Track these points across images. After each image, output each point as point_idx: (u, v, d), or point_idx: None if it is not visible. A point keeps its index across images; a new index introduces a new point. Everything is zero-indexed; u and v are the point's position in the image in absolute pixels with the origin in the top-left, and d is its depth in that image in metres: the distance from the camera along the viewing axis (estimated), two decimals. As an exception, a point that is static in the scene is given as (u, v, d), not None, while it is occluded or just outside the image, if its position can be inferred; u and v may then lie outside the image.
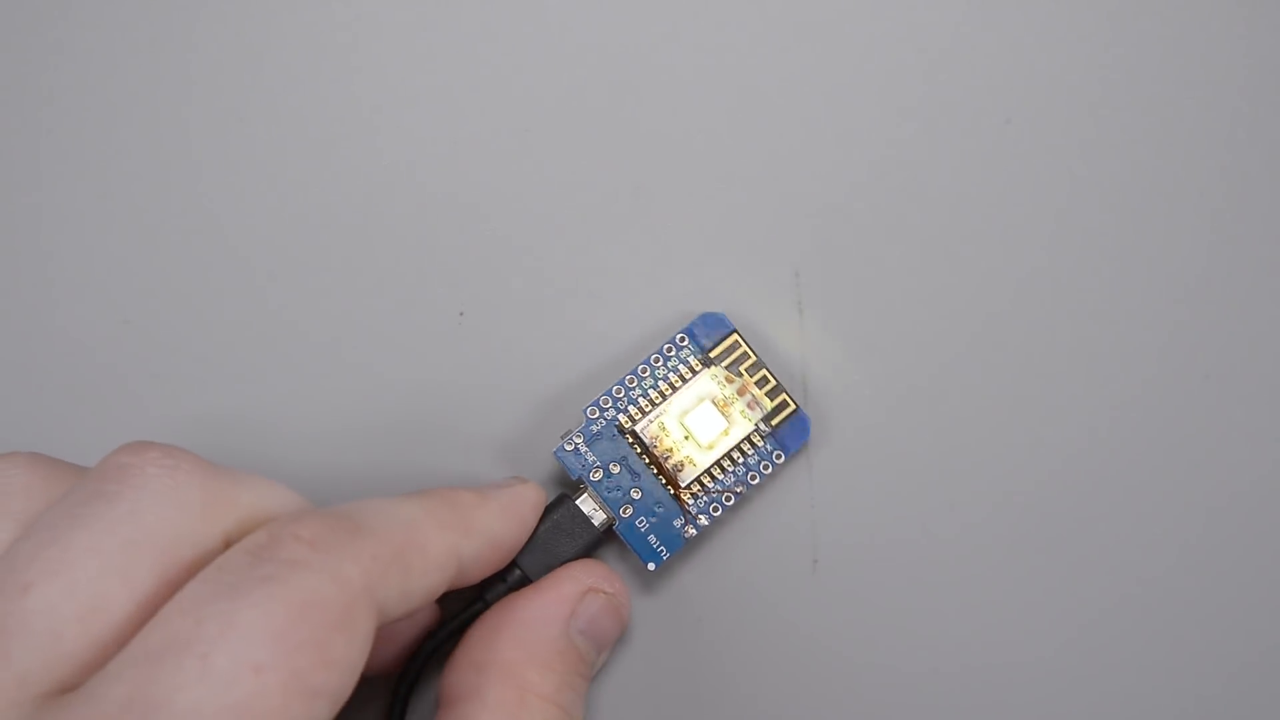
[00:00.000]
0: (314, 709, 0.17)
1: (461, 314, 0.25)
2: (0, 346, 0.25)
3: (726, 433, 0.24)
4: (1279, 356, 0.25)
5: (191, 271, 0.25)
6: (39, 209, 0.26)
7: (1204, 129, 0.25)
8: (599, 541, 0.24)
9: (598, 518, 0.24)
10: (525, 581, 0.23)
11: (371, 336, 0.25)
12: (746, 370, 0.24)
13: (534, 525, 0.23)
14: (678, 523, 0.24)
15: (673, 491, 0.24)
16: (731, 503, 0.24)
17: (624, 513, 0.24)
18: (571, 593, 0.23)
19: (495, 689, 0.21)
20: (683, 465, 0.24)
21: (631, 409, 0.24)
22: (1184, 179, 0.25)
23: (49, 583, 0.17)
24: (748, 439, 0.24)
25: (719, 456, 0.24)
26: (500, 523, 0.22)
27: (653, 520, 0.24)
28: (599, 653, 0.23)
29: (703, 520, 0.24)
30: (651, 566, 0.24)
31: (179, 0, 0.26)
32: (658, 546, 0.24)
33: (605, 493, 0.24)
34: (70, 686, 0.17)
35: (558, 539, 0.23)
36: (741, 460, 0.24)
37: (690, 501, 0.24)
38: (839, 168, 0.25)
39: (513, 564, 0.23)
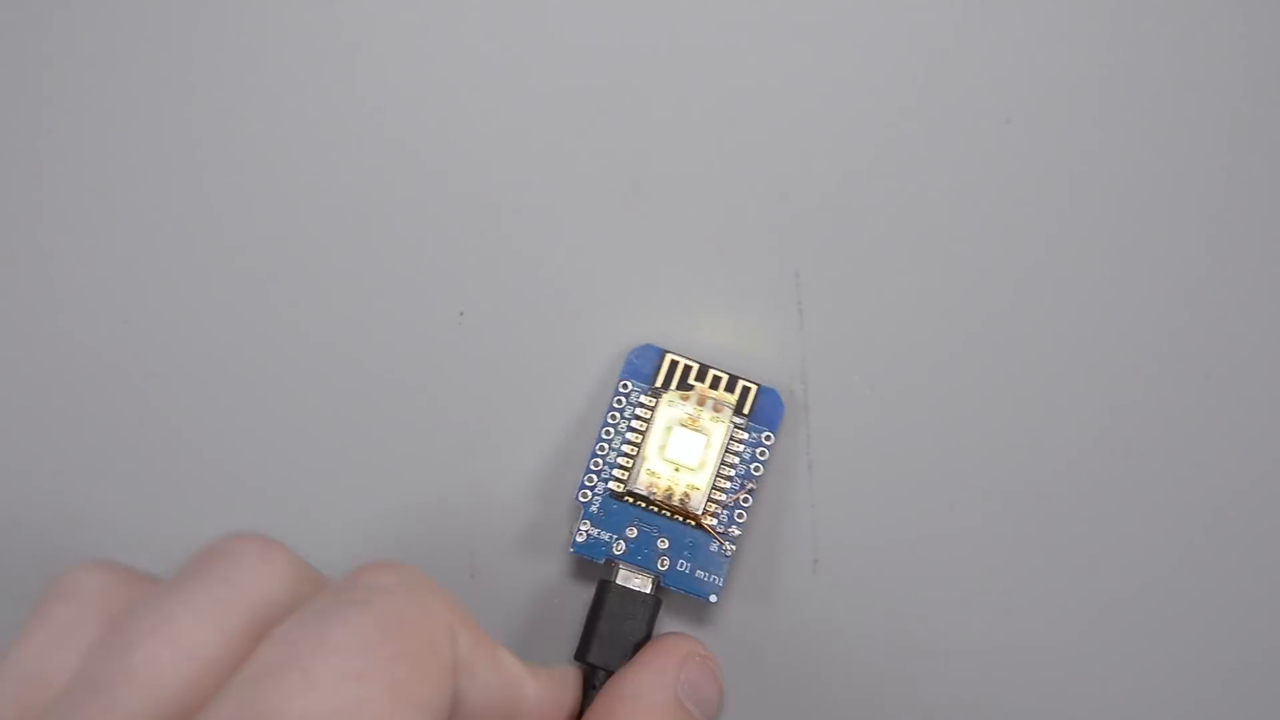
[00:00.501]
0: (419, 714, 0.17)
1: (461, 314, 0.25)
2: (0, 347, 0.25)
3: (709, 444, 0.24)
4: (1279, 356, 0.25)
5: (191, 271, 0.25)
6: (39, 209, 0.26)
7: (1204, 129, 0.25)
8: (658, 604, 0.24)
9: (644, 585, 0.24)
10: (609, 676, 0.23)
11: (371, 336, 0.25)
12: (695, 379, 0.24)
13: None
14: (713, 548, 0.24)
15: (694, 523, 0.24)
16: (750, 502, 0.24)
17: (662, 566, 0.24)
18: (670, 661, 0.23)
19: None
20: (688, 494, 0.24)
21: (616, 472, 0.24)
22: (1184, 179, 0.25)
23: (150, 638, 0.18)
24: (731, 439, 0.24)
25: (714, 468, 0.24)
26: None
27: (691, 558, 0.24)
28: (704, 717, 0.23)
29: (734, 532, 0.24)
30: (712, 599, 0.24)
31: (180, 0, 0.26)
32: (708, 578, 0.24)
33: (637, 559, 0.24)
34: None
35: (621, 624, 0.24)
36: (737, 460, 0.24)
37: (714, 523, 0.24)
38: (839, 168, 0.25)
39: (593, 667, 0.23)
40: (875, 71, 0.26)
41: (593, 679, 0.23)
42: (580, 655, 0.23)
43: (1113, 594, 0.25)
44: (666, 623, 0.25)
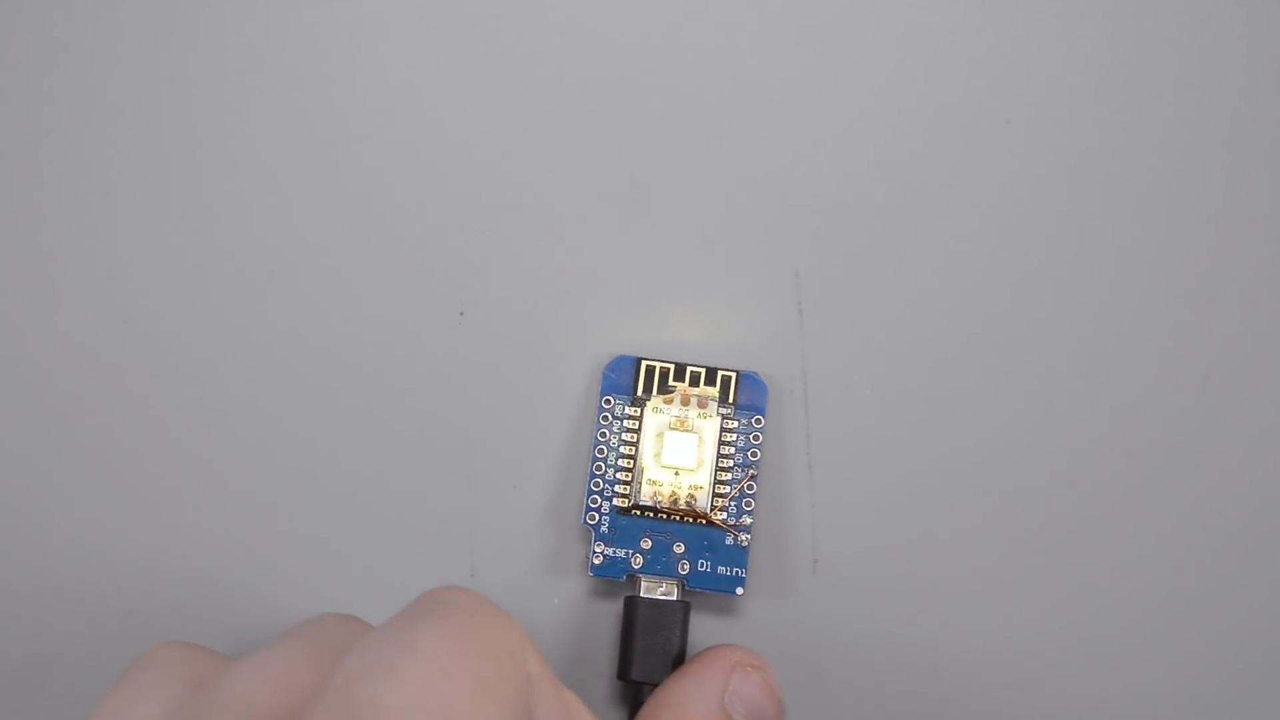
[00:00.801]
0: (504, 710, 0.17)
1: (461, 314, 0.25)
2: (1, 346, 0.25)
3: (702, 442, 0.24)
4: (1279, 357, 0.25)
5: (191, 271, 0.25)
6: (40, 209, 0.26)
7: (1205, 129, 0.25)
8: (688, 607, 0.24)
9: (670, 593, 0.24)
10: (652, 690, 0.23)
11: (371, 336, 0.25)
12: (674, 380, 0.24)
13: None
14: (728, 541, 0.24)
15: (704, 522, 0.24)
16: (755, 489, 0.24)
17: (683, 570, 0.24)
18: (719, 670, 0.23)
19: None
20: (693, 495, 0.24)
21: (618, 488, 0.24)
22: (1184, 179, 0.25)
23: (249, 674, 0.18)
24: (723, 431, 0.24)
25: (713, 464, 0.24)
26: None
27: (710, 557, 0.24)
28: None
29: (746, 521, 0.24)
30: (738, 591, 0.24)
31: (180, 0, 0.26)
32: (731, 572, 0.24)
33: (657, 568, 0.24)
34: None
35: (656, 636, 0.23)
36: (733, 450, 0.24)
37: (723, 517, 0.24)
38: (839, 168, 0.25)
39: (637, 683, 0.23)
40: (875, 71, 0.26)
41: (640, 695, 0.23)
42: (622, 674, 0.23)
43: (1113, 593, 0.25)
44: (698, 622, 0.25)
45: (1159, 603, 0.25)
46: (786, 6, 0.26)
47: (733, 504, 0.24)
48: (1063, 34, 0.25)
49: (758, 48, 0.26)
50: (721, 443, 0.24)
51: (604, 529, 0.24)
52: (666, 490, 0.24)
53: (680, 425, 0.24)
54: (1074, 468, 0.25)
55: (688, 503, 0.24)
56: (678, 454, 0.24)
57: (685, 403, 0.24)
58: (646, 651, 0.23)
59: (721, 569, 0.24)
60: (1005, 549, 0.25)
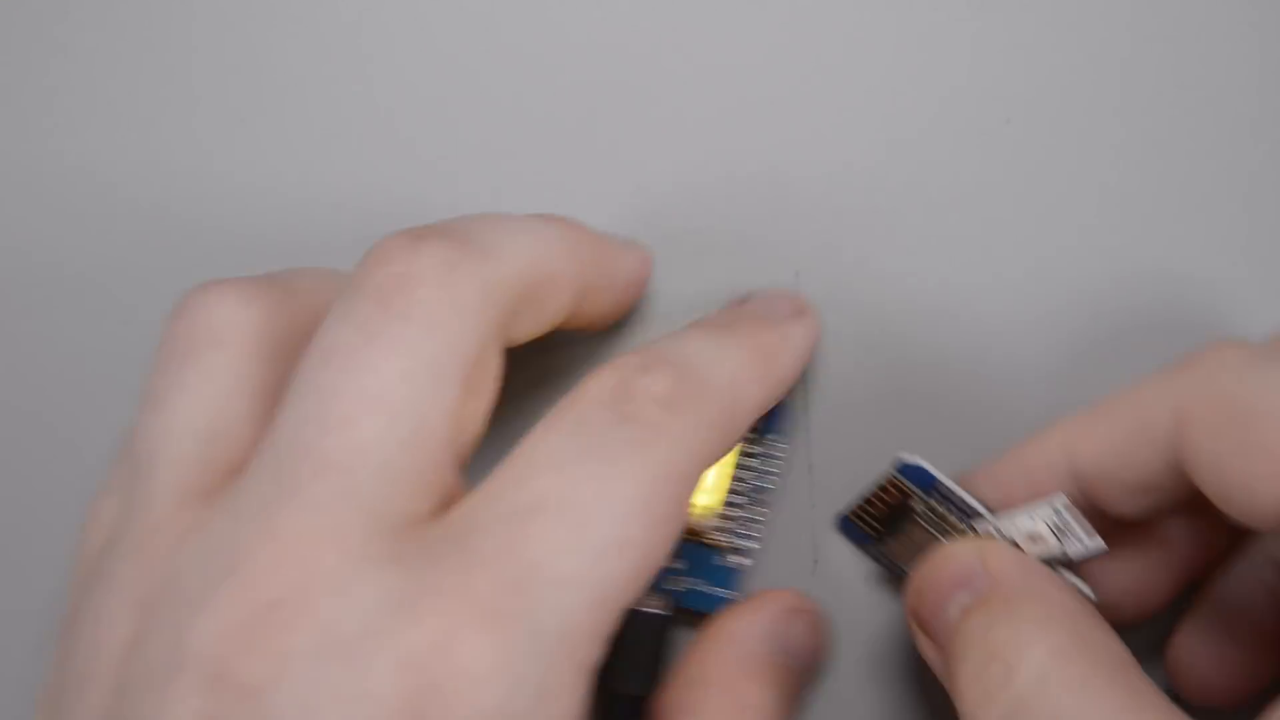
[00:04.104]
0: (645, 584, 0.17)
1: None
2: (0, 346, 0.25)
3: (719, 463, 0.24)
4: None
5: (191, 271, 0.25)
6: (39, 210, 0.26)
7: (1205, 129, 0.25)
8: (669, 620, 0.23)
9: (659, 607, 0.23)
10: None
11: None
12: None
13: (808, 361, 0.23)
14: (718, 561, 0.24)
15: (707, 542, 0.24)
16: (763, 519, 0.24)
17: (679, 587, 0.24)
18: (775, 610, 0.23)
19: (713, 703, 0.21)
20: (702, 515, 0.24)
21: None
22: (1185, 179, 0.25)
23: (372, 414, 0.17)
24: (742, 454, 0.24)
25: (726, 485, 0.24)
26: (793, 370, 0.22)
27: (707, 576, 0.24)
28: (807, 673, 0.23)
29: (748, 545, 0.24)
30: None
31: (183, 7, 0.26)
32: (723, 594, 0.24)
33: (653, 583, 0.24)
34: (415, 516, 0.17)
35: (639, 648, 0.23)
36: (748, 473, 0.24)
37: (722, 537, 0.24)
38: (839, 168, 0.25)
39: (617, 695, 0.23)
40: (875, 71, 0.26)
41: (614, 708, 0.23)
42: (604, 683, 0.23)
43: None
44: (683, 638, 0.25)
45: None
46: (787, 6, 0.26)
47: (735, 525, 0.24)
48: (1063, 34, 0.26)
49: (758, 47, 0.26)
50: (737, 465, 0.24)
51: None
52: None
53: None
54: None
55: (695, 522, 0.24)
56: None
57: None
58: (629, 663, 0.23)
59: (718, 589, 0.24)
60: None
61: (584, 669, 0.17)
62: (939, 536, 0.23)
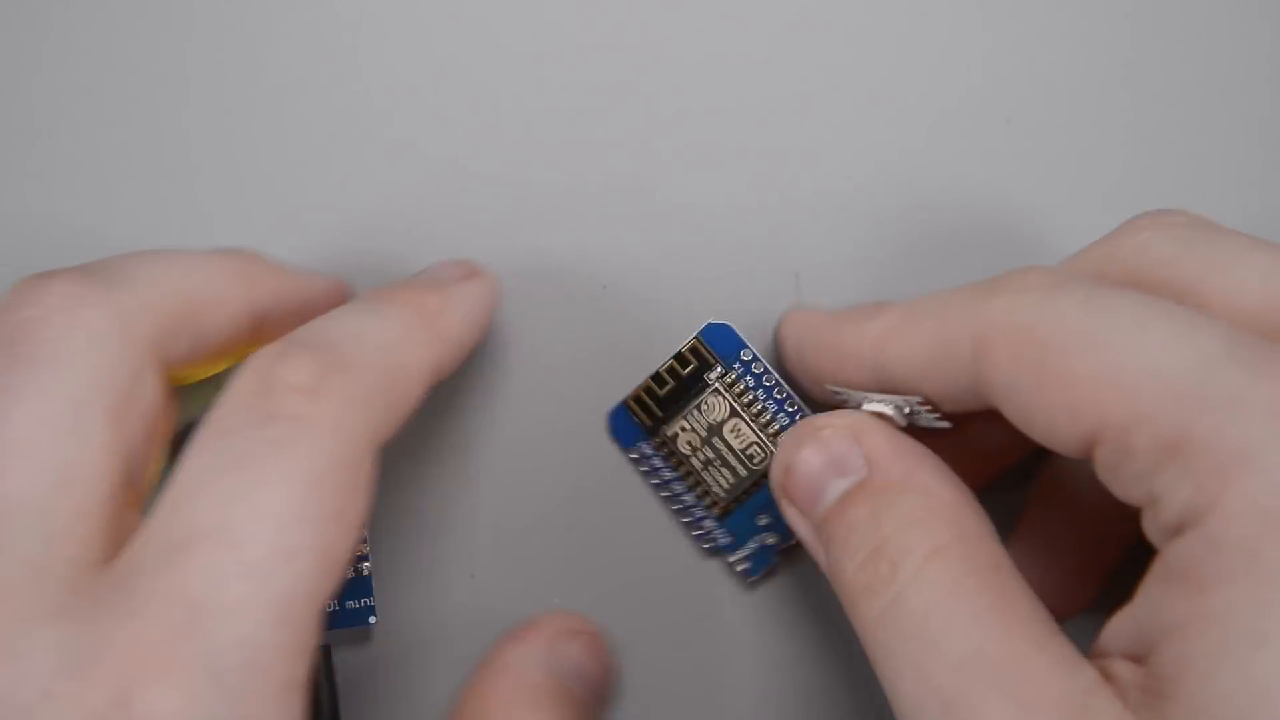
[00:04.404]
0: (335, 579, 0.17)
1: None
2: None
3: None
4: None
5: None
6: (37, 210, 0.26)
7: (1205, 129, 0.25)
8: (327, 652, 0.23)
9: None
10: None
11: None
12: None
13: (489, 323, 0.22)
14: None
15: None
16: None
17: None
18: (549, 634, 0.22)
19: None
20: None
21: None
22: (1185, 180, 0.25)
23: (15, 465, 0.17)
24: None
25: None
26: (465, 328, 0.21)
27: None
28: (591, 695, 0.23)
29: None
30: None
31: (183, 7, 0.26)
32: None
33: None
34: (83, 563, 0.17)
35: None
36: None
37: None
38: (839, 168, 0.25)
39: None
40: (875, 71, 0.26)
41: None
42: None
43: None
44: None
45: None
46: (787, 6, 0.26)
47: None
48: (1063, 34, 0.26)
49: (758, 47, 0.26)
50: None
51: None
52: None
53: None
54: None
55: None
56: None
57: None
58: None
59: None
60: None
61: (285, 689, 0.16)
62: (745, 420, 0.23)
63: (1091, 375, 0.17)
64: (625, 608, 0.24)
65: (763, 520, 0.24)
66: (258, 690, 0.16)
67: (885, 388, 0.21)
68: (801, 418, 0.24)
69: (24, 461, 0.17)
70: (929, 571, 0.18)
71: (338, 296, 0.22)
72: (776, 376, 0.24)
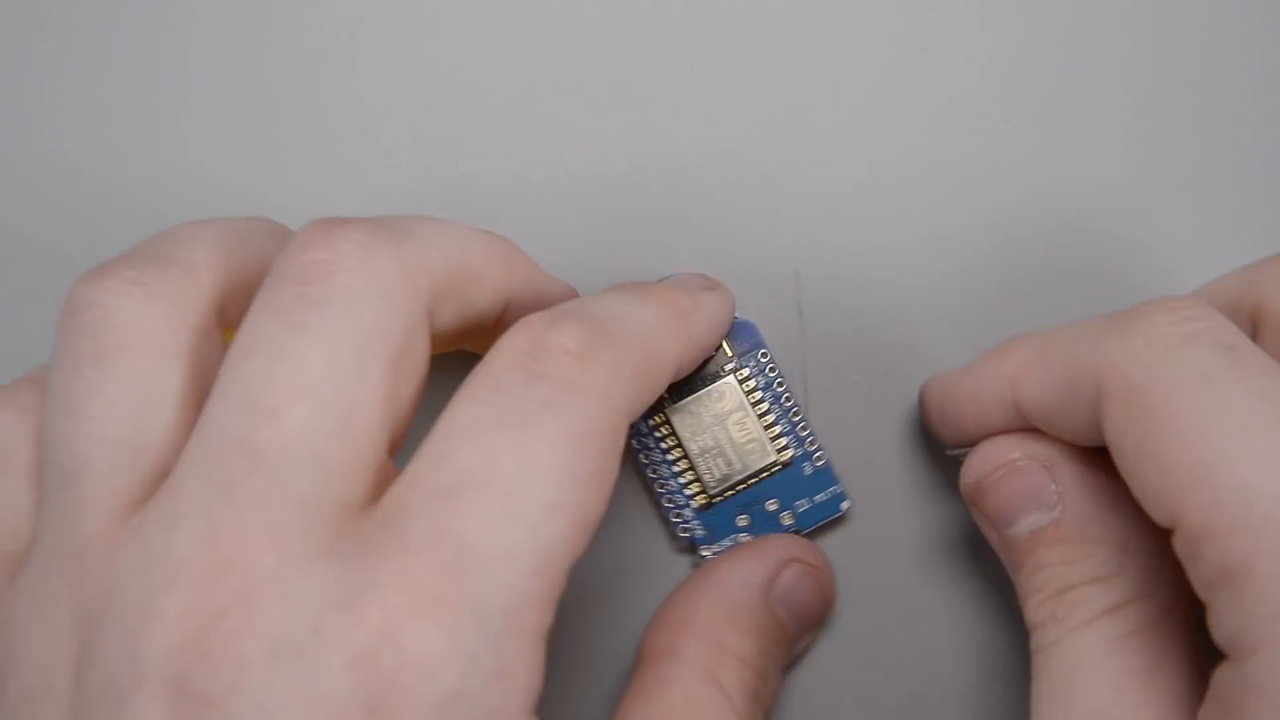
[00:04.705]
0: (588, 540, 0.17)
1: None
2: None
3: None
4: None
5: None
6: (38, 210, 0.26)
7: (1205, 129, 0.25)
8: None
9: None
10: None
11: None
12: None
13: (725, 333, 0.23)
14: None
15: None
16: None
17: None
18: (773, 559, 0.23)
19: (694, 647, 0.21)
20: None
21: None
22: (1185, 179, 0.25)
23: (299, 405, 0.17)
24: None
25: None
26: (709, 332, 0.22)
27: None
28: (800, 628, 0.23)
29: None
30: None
31: (182, 8, 0.26)
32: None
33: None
34: (350, 505, 0.17)
35: None
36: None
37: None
38: (839, 168, 0.26)
39: None
40: (875, 71, 0.26)
41: None
42: None
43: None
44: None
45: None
46: (787, 6, 0.26)
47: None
48: (1063, 34, 0.26)
49: (758, 47, 0.26)
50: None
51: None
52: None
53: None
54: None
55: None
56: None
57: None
58: None
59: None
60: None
61: (538, 637, 0.17)
62: (751, 416, 0.24)
63: (1184, 467, 0.17)
64: (620, 605, 0.25)
65: (742, 520, 0.24)
66: (515, 636, 0.16)
67: (1023, 421, 0.21)
68: (803, 427, 0.24)
69: (307, 402, 0.17)
70: (1098, 623, 0.19)
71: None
72: (788, 383, 0.24)
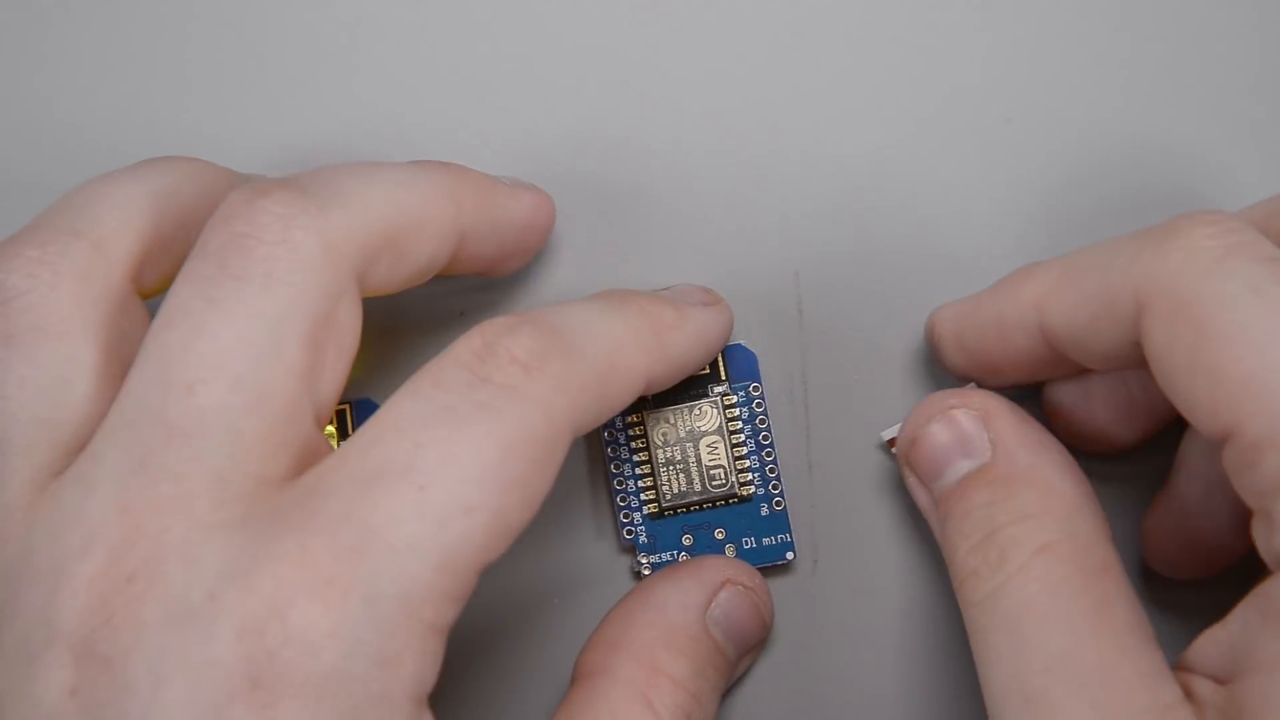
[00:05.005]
0: (504, 545, 0.18)
1: (462, 314, 0.25)
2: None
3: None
4: None
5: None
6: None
7: (1205, 129, 0.25)
8: None
9: None
10: None
11: (372, 337, 0.25)
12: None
13: (718, 351, 0.23)
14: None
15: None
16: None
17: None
18: (710, 580, 0.23)
19: (626, 666, 0.21)
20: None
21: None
22: (1185, 179, 0.25)
23: (214, 380, 0.17)
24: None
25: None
26: (692, 349, 0.22)
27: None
28: (737, 651, 0.23)
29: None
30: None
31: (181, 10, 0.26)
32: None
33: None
34: (267, 479, 0.18)
35: None
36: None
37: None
38: (839, 168, 0.25)
39: None
40: (875, 71, 0.26)
41: None
42: None
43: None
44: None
45: (1161, 606, 0.25)
46: (787, 6, 0.26)
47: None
48: (1063, 34, 0.26)
49: (758, 47, 0.26)
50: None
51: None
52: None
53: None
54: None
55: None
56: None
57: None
58: None
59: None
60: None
61: (433, 630, 0.17)
62: (725, 442, 0.24)
63: (1240, 378, 0.17)
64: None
65: (686, 540, 0.24)
66: (406, 625, 0.17)
67: (1055, 356, 0.21)
68: (771, 469, 0.24)
69: (223, 377, 0.17)
70: (1034, 567, 0.19)
71: (541, 215, 0.23)
72: (769, 421, 0.24)
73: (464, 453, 0.17)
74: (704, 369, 0.24)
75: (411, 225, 0.20)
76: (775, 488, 0.24)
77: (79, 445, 0.18)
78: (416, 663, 0.17)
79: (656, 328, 0.21)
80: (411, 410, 0.18)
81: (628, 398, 0.20)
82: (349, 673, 0.16)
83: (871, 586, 0.25)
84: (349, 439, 0.18)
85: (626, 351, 0.20)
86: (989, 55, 0.26)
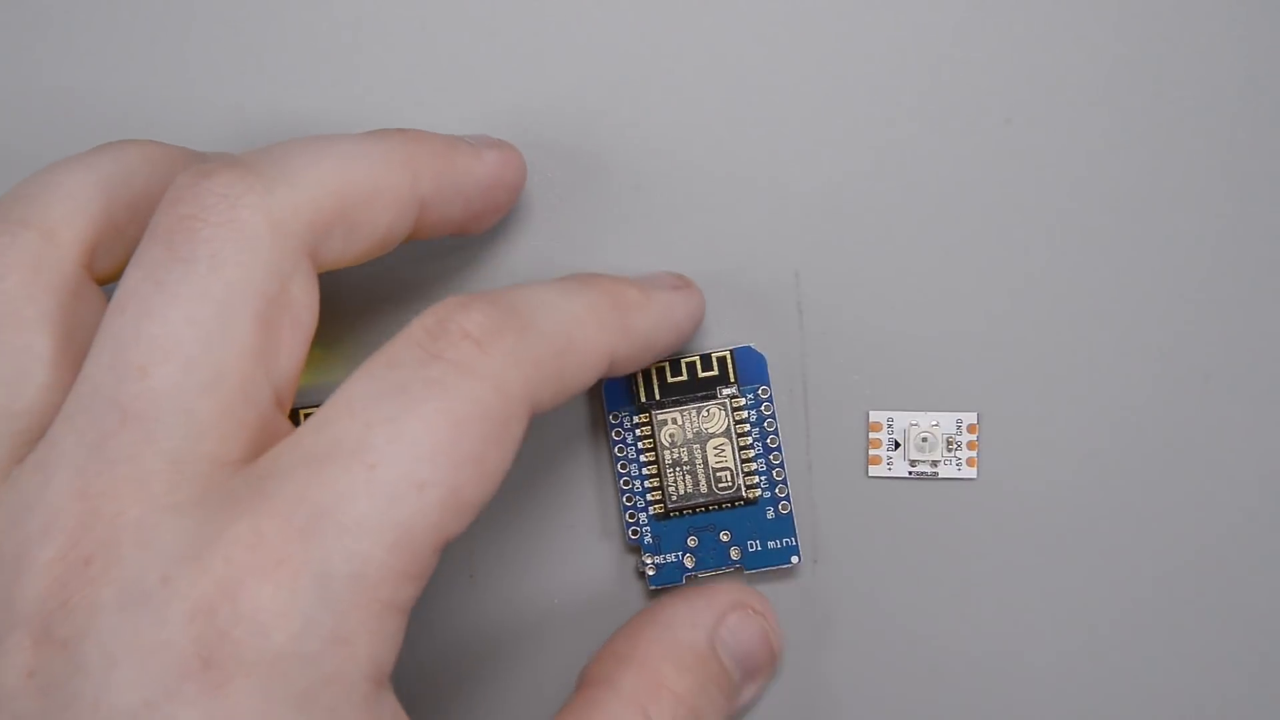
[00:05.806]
0: (462, 522, 0.17)
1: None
2: None
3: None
4: None
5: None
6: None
7: (1205, 129, 0.25)
8: None
9: None
10: None
11: (373, 338, 0.25)
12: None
13: (690, 336, 0.23)
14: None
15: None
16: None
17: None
18: (721, 603, 0.23)
19: (629, 678, 0.21)
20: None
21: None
22: (1185, 179, 0.25)
23: (164, 362, 0.17)
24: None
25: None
26: (658, 329, 0.22)
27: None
28: (743, 678, 0.23)
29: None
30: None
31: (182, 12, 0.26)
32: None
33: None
34: (223, 460, 0.18)
35: None
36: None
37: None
38: (839, 168, 0.25)
39: None
40: (875, 71, 0.26)
41: None
42: None
43: (1114, 596, 0.25)
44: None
45: (1160, 605, 0.25)
46: (787, 6, 0.26)
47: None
48: (1063, 34, 0.25)
49: (758, 47, 0.26)
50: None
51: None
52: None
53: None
54: (1074, 467, 0.25)
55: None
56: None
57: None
58: None
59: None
60: (1005, 548, 0.25)
61: (390, 609, 0.17)
62: (732, 445, 0.23)
63: None
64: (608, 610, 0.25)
65: (691, 541, 0.24)
66: (359, 604, 0.17)
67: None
68: (778, 473, 0.24)
69: (174, 361, 0.18)
70: None
71: (509, 171, 0.23)
72: (777, 424, 0.24)
73: (415, 430, 0.17)
74: (711, 369, 0.24)
75: (363, 197, 0.20)
76: (782, 492, 0.24)
77: (40, 432, 0.18)
78: (372, 642, 0.17)
79: (620, 307, 0.21)
80: (364, 390, 0.18)
81: (589, 375, 0.20)
82: (301, 652, 0.16)
83: (871, 587, 0.25)
84: (305, 422, 0.18)
85: (586, 328, 0.20)
86: (989, 55, 0.25)
